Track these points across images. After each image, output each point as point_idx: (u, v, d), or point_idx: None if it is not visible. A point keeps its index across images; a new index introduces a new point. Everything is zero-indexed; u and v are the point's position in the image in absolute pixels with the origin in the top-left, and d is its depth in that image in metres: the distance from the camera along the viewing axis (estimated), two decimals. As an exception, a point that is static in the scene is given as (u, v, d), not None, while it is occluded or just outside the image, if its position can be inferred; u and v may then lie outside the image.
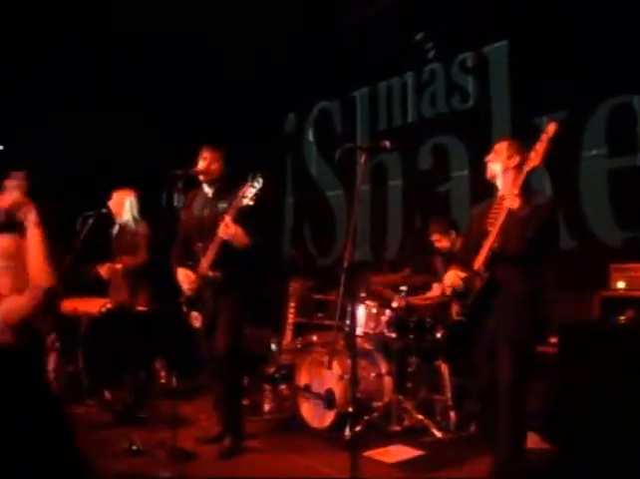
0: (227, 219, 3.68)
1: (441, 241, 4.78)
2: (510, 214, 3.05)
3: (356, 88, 6.79)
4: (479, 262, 3.19)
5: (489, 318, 3.20)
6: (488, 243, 3.15)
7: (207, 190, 4.07)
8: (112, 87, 6.60)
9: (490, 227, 3.18)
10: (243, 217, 3.71)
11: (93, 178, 6.21)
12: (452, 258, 3.65)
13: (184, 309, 3.99)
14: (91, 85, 6.47)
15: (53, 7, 5.75)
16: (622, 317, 3.39)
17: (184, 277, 3.94)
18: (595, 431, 3.05)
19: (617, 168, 4.69)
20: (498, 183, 3.33)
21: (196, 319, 3.95)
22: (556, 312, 3.44)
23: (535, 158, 3.02)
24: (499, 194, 3.30)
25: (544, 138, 3.00)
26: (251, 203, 3.64)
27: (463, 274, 3.29)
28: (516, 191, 3.03)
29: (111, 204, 4.99)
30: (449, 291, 3.42)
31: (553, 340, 3.59)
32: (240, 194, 3.65)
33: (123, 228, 4.97)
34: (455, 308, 3.49)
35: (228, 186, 3.95)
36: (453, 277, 3.34)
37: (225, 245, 3.76)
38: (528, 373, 3.16)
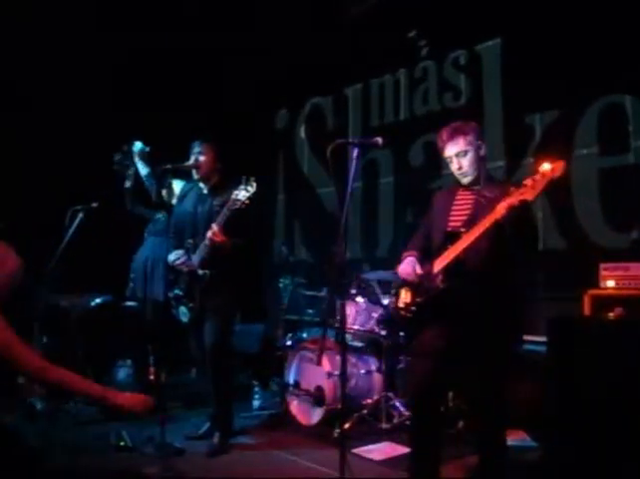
0: (215, 227, 3.67)
1: None
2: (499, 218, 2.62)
3: (348, 84, 6.78)
4: (439, 266, 2.86)
5: (440, 328, 2.89)
6: (457, 250, 2.77)
7: (202, 185, 4.06)
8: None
9: (463, 226, 2.83)
10: (234, 220, 3.71)
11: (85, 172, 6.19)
12: (408, 244, 3.24)
13: (173, 304, 3.99)
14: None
15: None
16: (611, 314, 3.40)
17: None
18: (582, 428, 3.06)
19: (608, 167, 4.70)
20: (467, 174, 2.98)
21: (184, 315, 3.95)
22: (546, 311, 3.43)
23: (531, 192, 2.55)
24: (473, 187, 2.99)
25: (548, 175, 2.54)
26: (243, 207, 3.64)
27: (419, 271, 2.95)
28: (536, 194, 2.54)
29: None
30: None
31: (541, 339, 3.61)
32: (233, 196, 3.64)
33: None
34: (403, 298, 3.05)
35: (223, 184, 3.94)
36: (408, 269, 2.99)
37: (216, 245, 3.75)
38: (508, 379, 2.97)
